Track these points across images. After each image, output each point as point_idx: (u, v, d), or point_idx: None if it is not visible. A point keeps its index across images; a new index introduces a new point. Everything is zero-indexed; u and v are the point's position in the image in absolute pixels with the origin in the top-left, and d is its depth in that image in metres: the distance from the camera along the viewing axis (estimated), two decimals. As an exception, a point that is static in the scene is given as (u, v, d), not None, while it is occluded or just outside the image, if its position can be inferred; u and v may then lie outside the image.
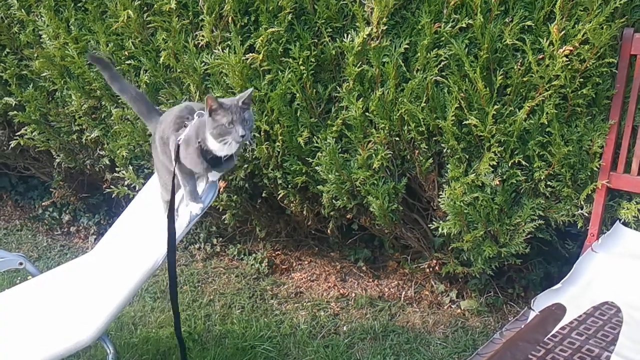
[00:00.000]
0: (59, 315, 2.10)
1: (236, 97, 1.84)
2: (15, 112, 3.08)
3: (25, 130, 3.14)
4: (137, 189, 2.85)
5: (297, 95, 2.39)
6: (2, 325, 2.14)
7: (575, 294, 1.87)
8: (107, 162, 3.09)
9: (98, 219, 3.68)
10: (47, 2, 2.75)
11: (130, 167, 2.92)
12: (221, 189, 2.83)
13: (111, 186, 3.00)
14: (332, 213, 2.71)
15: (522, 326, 1.75)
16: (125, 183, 2.96)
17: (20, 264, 2.32)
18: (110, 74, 2.19)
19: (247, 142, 1.88)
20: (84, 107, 2.91)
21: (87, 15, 2.71)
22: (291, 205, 2.79)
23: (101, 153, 3.08)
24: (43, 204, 3.81)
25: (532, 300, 1.85)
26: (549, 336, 1.69)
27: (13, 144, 3.21)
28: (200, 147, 1.87)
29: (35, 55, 2.91)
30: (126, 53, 2.67)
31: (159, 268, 3.11)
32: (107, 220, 3.60)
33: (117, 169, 2.98)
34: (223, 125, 1.79)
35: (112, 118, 2.85)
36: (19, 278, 3.00)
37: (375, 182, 2.43)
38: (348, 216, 2.74)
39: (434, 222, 2.47)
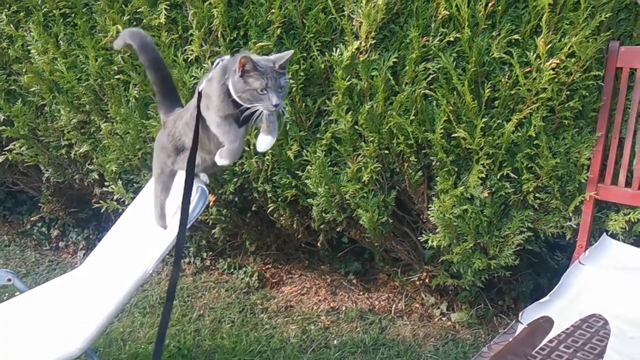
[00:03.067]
0: (46, 329, 2.08)
1: (272, 57, 1.62)
2: (3, 127, 3.06)
3: (14, 145, 3.13)
4: (126, 203, 2.84)
5: (287, 108, 2.39)
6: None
7: (563, 306, 1.87)
8: (96, 177, 3.08)
9: (87, 234, 3.66)
10: (36, 17, 2.75)
11: (120, 182, 2.91)
12: (210, 203, 2.82)
13: (100, 201, 2.99)
14: (322, 226, 2.71)
15: (510, 339, 1.75)
16: (115, 197, 2.95)
17: (9, 280, 2.30)
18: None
19: (280, 112, 1.65)
20: (73, 121, 2.90)
21: (76, 30, 2.71)
22: (281, 218, 2.79)
23: (90, 167, 3.06)
24: (31, 219, 3.78)
25: (520, 313, 1.85)
26: (537, 349, 1.69)
27: (1, 159, 3.19)
28: (226, 89, 1.63)
29: (24, 70, 2.90)
30: (115, 68, 2.67)
31: (148, 281, 3.15)
32: (97, 235, 3.58)
33: (106, 183, 2.97)
34: (255, 91, 1.57)
35: (101, 132, 2.85)
36: (7, 294, 2.97)
37: (365, 195, 2.43)
38: (338, 229, 2.73)
39: (423, 235, 2.47)
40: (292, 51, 1.65)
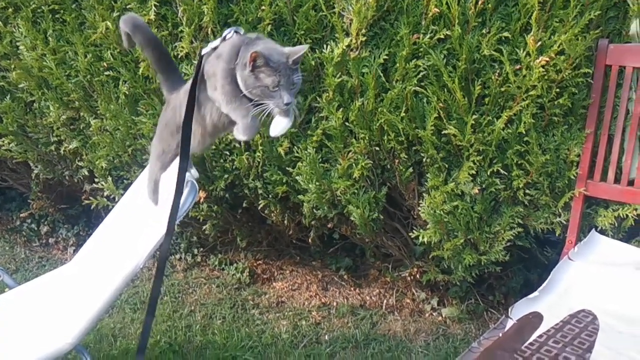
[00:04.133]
0: (36, 325, 2.08)
1: (286, 50, 1.53)
2: (-8, 123, 3.05)
3: (3, 141, 3.11)
4: (116, 200, 2.83)
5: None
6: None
7: (552, 302, 1.89)
8: (86, 173, 3.07)
9: (77, 230, 3.65)
10: (25, 13, 2.73)
11: (110, 178, 2.90)
12: (201, 199, 2.82)
13: (90, 197, 2.98)
14: (313, 222, 2.72)
15: (500, 335, 1.76)
16: (105, 194, 2.94)
17: (-2, 276, 2.30)
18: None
19: (293, 109, 1.57)
20: (62, 118, 2.88)
21: (65, 27, 2.69)
22: (272, 215, 2.79)
23: (80, 164, 3.05)
24: (21, 215, 3.77)
25: (509, 309, 1.86)
26: (526, 344, 1.71)
27: (-10, 155, 3.18)
28: (234, 75, 1.54)
29: (13, 66, 2.88)
30: (105, 64, 2.65)
31: (139, 277, 3.15)
32: (87, 231, 3.57)
33: (96, 180, 2.96)
34: (266, 88, 1.49)
35: (90, 129, 2.83)
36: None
37: (356, 191, 2.44)
38: (329, 225, 2.74)
39: (414, 231, 2.48)
40: (306, 46, 1.57)
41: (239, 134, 1.56)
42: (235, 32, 1.60)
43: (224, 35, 1.61)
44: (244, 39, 1.57)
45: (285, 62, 1.50)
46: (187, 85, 1.68)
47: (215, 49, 1.62)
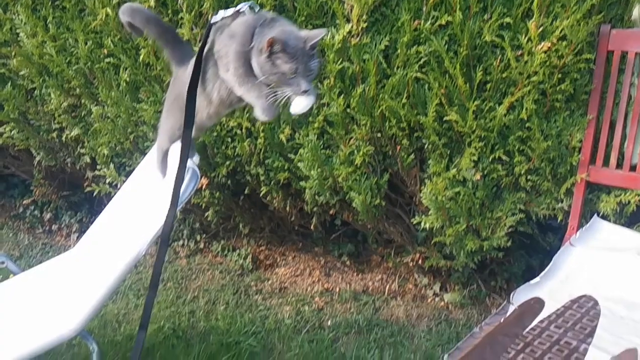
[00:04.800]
0: (41, 311, 2.10)
1: (303, 34, 1.45)
2: (-7, 111, 3.05)
3: (4, 128, 3.11)
4: (118, 186, 2.83)
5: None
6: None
7: (554, 287, 1.90)
8: (88, 160, 3.07)
9: (80, 217, 3.66)
10: (24, 0, 2.72)
11: (112, 165, 2.90)
12: (203, 186, 2.83)
13: (92, 184, 2.98)
14: (315, 209, 2.72)
15: (502, 320, 1.77)
16: (107, 181, 2.94)
17: (2, 262, 2.31)
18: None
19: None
20: (63, 105, 2.88)
21: (65, 14, 2.68)
22: (274, 201, 2.79)
23: (82, 151, 3.05)
24: (24, 202, 3.78)
25: (511, 295, 1.87)
26: (527, 329, 1.72)
27: (-8, 142, 3.19)
28: (248, 58, 1.48)
29: (13, 53, 2.87)
30: (105, 51, 2.65)
31: (142, 264, 3.16)
32: (89, 218, 3.58)
33: (98, 167, 2.97)
34: (283, 75, 1.42)
35: (92, 116, 2.83)
36: (0, 277, 2.97)
37: (358, 178, 2.44)
38: (331, 212, 2.75)
39: (416, 217, 2.49)
40: (324, 30, 1.49)
41: (259, 115, 1.50)
42: (250, 7, 1.54)
43: (237, 8, 1.54)
44: (258, 18, 1.50)
45: (303, 48, 1.43)
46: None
47: (225, 19, 1.56)
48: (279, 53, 1.41)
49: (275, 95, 1.45)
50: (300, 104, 1.47)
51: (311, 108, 1.50)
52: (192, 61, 1.64)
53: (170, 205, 1.59)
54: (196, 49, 1.62)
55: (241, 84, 1.50)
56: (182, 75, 1.70)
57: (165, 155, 1.89)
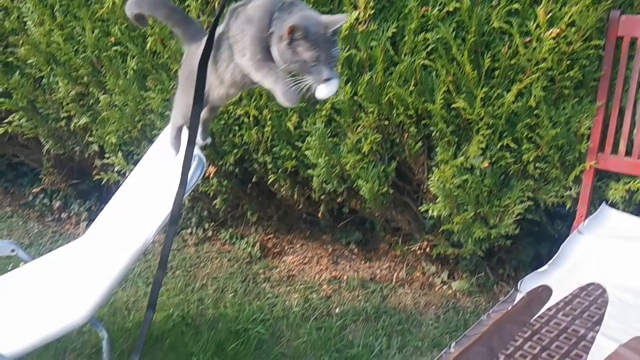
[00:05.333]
0: (51, 299, 2.12)
1: (323, 19, 1.39)
2: (1, 99, 3.05)
3: (13, 117, 3.13)
4: (126, 175, 2.84)
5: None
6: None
7: (562, 275, 1.89)
8: (96, 149, 3.09)
9: (89, 205, 3.68)
10: (31, -12, 2.72)
11: (120, 153, 2.92)
12: (211, 174, 2.83)
13: (101, 172, 3.00)
14: (322, 197, 2.73)
15: (509, 308, 1.77)
16: (115, 169, 2.96)
17: (12, 250, 2.33)
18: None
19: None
20: (71, 93, 2.89)
21: (72, 2, 2.69)
22: (281, 189, 2.80)
23: (90, 139, 3.06)
24: (33, 190, 3.80)
25: (518, 282, 1.87)
26: (535, 317, 1.72)
27: (1, 131, 3.19)
28: (267, 45, 1.43)
29: (21, 42, 2.88)
30: (112, 39, 2.65)
31: (151, 252, 3.18)
32: (98, 206, 3.60)
33: (106, 155, 2.98)
34: (304, 62, 1.37)
35: (99, 104, 2.84)
36: (11, 265, 3.00)
37: (365, 165, 2.44)
38: (338, 200, 2.75)
39: (424, 205, 2.48)
40: (346, 16, 1.45)
41: (281, 100, 1.44)
42: None
43: None
44: (276, 2, 1.44)
45: (324, 34, 1.37)
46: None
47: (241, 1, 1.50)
48: (300, 40, 1.35)
49: (298, 83, 1.40)
50: (323, 91, 1.42)
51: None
52: (206, 38, 1.53)
53: (179, 185, 1.55)
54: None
55: (258, 69, 1.46)
56: (194, 51, 1.64)
57: (179, 132, 1.86)
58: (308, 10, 1.43)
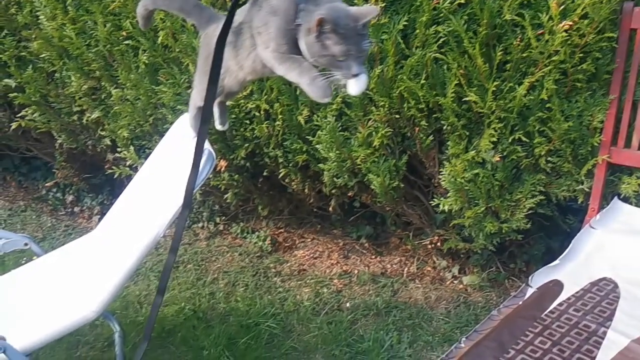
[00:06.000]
0: (64, 293, 2.13)
1: (353, 11, 1.32)
2: (15, 93, 3.08)
3: (26, 111, 3.15)
4: (138, 169, 2.85)
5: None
6: (9, 303, 2.17)
7: (573, 270, 1.88)
8: (109, 143, 3.10)
9: (101, 199, 3.70)
10: (44, -17, 2.74)
11: (132, 148, 2.93)
12: (222, 168, 2.83)
13: (113, 167, 3.01)
14: (333, 191, 2.72)
15: (520, 303, 1.76)
16: (127, 163, 2.97)
17: (26, 244, 2.34)
18: None
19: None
20: (83, 88, 2.91)
21: (84, -5, 2.70)
22: (292, 183, 2.80)
23: (102, 134, 3.08)
24: (46, 184, 3.83)
25: (529, 277, 1.86)
26: (546, 312, 1.71)
27: (14, 125, 3.22)
28: (293, 37, 1.37)
29: (34, 36, 2.90)
30: (124, 33, 2.66)
31: (163, 246, 3.19)
32: (111, 200, 3.61)
33: (118, 149, 2.99)
34: (333, 57, 1.31)
35: (112, 99, 2.85)
36: (24, 258, 3.02)
37: (376, 159, 2.43)
38: (349, 194, 2.74)
39: (435, 199, 2.47)
40: (378, 9, 1.38)
41: (312, 96, 1.37)
42: None
43: None
44: None
45: (354, 27, 1.30)
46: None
47: None
48: (329, 33, 1.29)
49: (327, 78, 1.33)
50: (354, 87, 1.35)
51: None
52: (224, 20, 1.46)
53: (192, 166, 1.51)
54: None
55: (281, 62, 1.40)
56: (212, 32, 1.59)
57: (198, 112, 1.82)
58: (336, 2, 1.37)
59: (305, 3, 1.35)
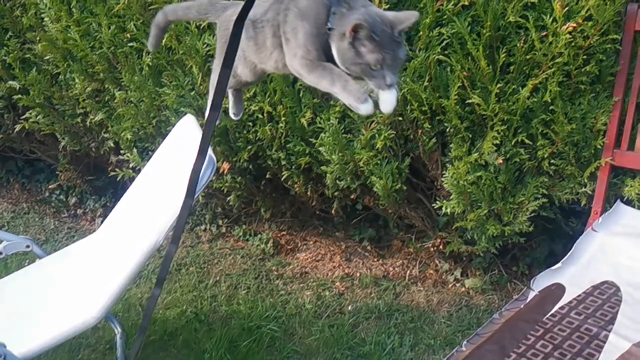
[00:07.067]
0: (64, 297, 2.13)
1: (390, 16, 1.25)
2: (19, 95, 3.08)
3: (30, 113, 3.16)
4: (141, 171, 2.86)
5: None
6: (10, 306, 2.17)
7: (575, 273, 1.87)
8: (112, 145, 3.11)
9: (104, 202, 3.70)
10: (48, -16, 2.75)
11: (135, 150, 2.93)
12: (225, 171, 2.83)
13: (116, 169, 3.01)
14: (336, 193, 2.72)
15: (522, 306, 1.76)
16: (130, 165, 2.97)
17: (27, 246, 2.34)
18: None
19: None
20: (87, 90, 2.91)
21: (88, -2, 2.71)
22: (295, 186, 2.79)
23: (105, 136, 3.08)
24: (49, 186, 3.83)
25: (531, 280, 1.85)
26: (547, 316, 1.70)
27: (18, 127, 3.23)
28: (324, 42, 1.29)
29: (38, 38, 2.91)
30: (128, 35, 2.66)
31: (165, 249, 3.19)
32: (113, 202, 3.59)
33: (121, 151, 2.99)
34: (366, 65, 1.22)
35: (115, 101, 2.86)
36: (27, 261, 3.03)
37: (379, 162, 2.43)
38: (352, 196, 2.74)
39: (437, 202, 2.47)
40: (416, 13, 1.26)
41: (352, 105, 1.26)
42: None
43: None
44: None
45: (391, 34, 1.23)
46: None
47: None
48: (365, 40, 1.21)
49: (360, 84, 1.26)
50: (388, 102, 1.25)
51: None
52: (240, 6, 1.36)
53: (198, 153, 1.41)
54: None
55: (311, 71, 1.31)
56: (230, 16, 1.50)
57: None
58: (371, 6, 1.30)
59: (338, 6, 1.28)
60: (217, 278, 3.03)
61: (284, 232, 3.35)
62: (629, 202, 2.17)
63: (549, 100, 2.13)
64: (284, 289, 2.92)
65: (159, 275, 1.61)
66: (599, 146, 2.15)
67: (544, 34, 2.07)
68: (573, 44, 2.04)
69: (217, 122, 1.52)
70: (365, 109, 1.23)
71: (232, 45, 1.25)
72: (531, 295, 1.80)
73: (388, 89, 1.23)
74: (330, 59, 1.28)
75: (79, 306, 1.96)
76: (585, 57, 2.07)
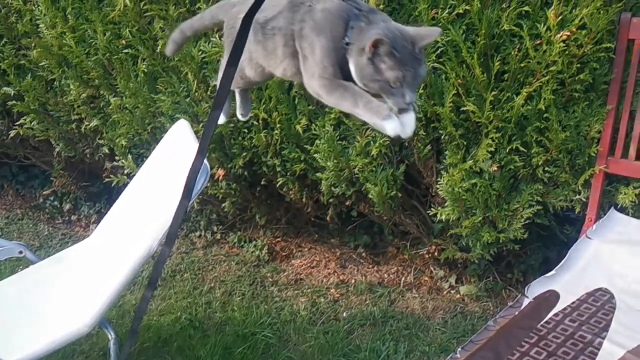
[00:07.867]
0: (57, 304, 2.12)
1: (411, 32, 1.20)
2: (14, 101, 3.08)
3: (25, 119, 3.15)
4: (136, 177, 2.86)
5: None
6: (3, 314, 2.16)
7: (569, 280, 1.88)
8: (107, 151, 3.10)
9: (99, 208, 3.69)
10: (44, -9, 2.75)
11: (130, 156, 2.93)
12: (220, 177, 2.83)
13: (111, 175, 3.01)
14: (331, 200, 2.72)
15: (516, 313, 1.76)
16: (125, 172, 2.97)
17: (20, 252, 2.34)
18: None
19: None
20: (82, 96, 2.91)
21: (84, 4, 2.71)
22: (290, 192, 2.79)
23: (100, 142, 3.08)
24: (44, 192, 3.82)
25: (526, 287, 1.85)
26: (542, 323, 1.70)
27: (12, 133, 3.23)
28: (341, 56, 1.22)
29: (33, 44, 2.91)
30: (123, 42, 2.66)
31: (157, 253, 3.18)
32: (108, 208, 3.56)
33: (116, 157, 2.99)
34: (385, 82, 1.17)
35: (110, 107, 2.86)
36: (21, 267, 3.02)
37: (374, 169, 2.43)
38: (347, 203, 2.74)
39: (432, 209, 2.47)
40: (439, 30, 1.24)
41: (386, 129, 1.19)
42: None
43: None
44: (349, 8, 1.24)
45: (412, 50, 1.18)
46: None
47: None
48: (385, 56, 1.16)
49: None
50: (407, 124, 1.19)
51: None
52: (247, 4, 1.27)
53: (197, 152, 1.41)
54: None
55: (330, 92, 1.24)
56: (237, 14, 1.44)
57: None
58: (390, 21, 1.25)
59: (356, 20, 1.22)
60: (212, 284, 3.03)
61: (279, 239, 3.35)
62: (622, 210, 2.17)
63: (543, 108, 2.14)
64: (279, 296, 2.91)
65: (152, 276, 1.60)
66: (593, 154, 2.16)
67: (538, 42, 2.08)
68: (567, 52, 2.05)
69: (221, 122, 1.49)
70: (390, 126, 1.17)
71: (238, 43, 1.18)
72: (526, 302, 1.80)
73: (406, 108, 1.18)
74: (346, 74, 1.23)
75: (73, 313, 1.95)
76: (579, 65, 2.08)
